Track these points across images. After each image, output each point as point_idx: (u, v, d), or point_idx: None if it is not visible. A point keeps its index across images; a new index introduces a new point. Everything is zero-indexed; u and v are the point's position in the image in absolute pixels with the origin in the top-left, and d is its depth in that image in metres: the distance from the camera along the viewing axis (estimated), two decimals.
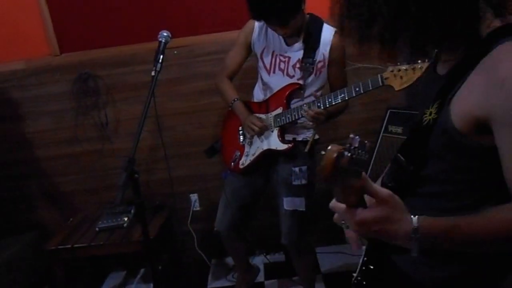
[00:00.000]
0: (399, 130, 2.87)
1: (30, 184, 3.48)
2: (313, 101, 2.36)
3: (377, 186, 0.95)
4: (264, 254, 3.53)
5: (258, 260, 3.51)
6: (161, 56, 2.15)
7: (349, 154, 0.85)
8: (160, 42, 2.17)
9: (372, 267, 1.22)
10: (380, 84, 2.14)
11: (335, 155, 0.84)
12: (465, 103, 1.00)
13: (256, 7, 2.26)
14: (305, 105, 2.37)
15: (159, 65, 2.14)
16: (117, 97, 3.30)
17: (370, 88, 2.18)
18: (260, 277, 3.28)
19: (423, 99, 1.18)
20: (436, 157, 1.10)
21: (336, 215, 1.07)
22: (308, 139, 2.50)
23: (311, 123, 2.42)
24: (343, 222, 1.04)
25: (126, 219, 3.03)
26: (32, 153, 3.42)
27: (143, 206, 2.18)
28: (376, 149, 3.02)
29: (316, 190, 2.65)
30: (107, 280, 3.51)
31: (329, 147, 0.86)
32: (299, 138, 2.55)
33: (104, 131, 3.35)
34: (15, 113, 3.35)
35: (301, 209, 2.57)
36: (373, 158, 3.04)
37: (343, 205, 0.97)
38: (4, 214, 3.50)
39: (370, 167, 3.07)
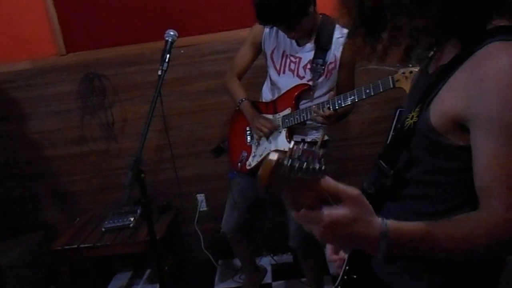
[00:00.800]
0: None
1: (36, 184, 3.51)
2: (323, 102, 2.35)
3: (344, 185, 0.88)
4: (271, 255, 3.54)
5: (265, 261, 3.52)
6: (168, 55, 2.17)
7: (288, 164, 0.80)
8: (167, 41, 2.19)
9: (355, 276, 1.18)
10: (391, 86, 2.11)
11: (273, 164, 0.80)
12: (445, 101, 0.98)
13: (262, 14, 2.27)
14: (314, 106, 2.35)
15: (165, 64, 2.16)
16: (123, 97, 3.32)
17: (381, 90, 2.16)
18: (268, 278, 3.29)
19: (410, 101, 1.17)
20: (416, 160, 1.08)
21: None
22: (317, 139, 2.47)
23: (319, 124, 2.42)
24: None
25: (132, 219, 3.04)
26: (38, 153, 3.44)
27: (150, 206, 2.19)
28: None
29: None
30: (113, 281, 3.53)
31: (269, 155, 0.81)
32: (308, 139, 2.54)
33: (111, 131, 3.37)
34: (21, 113, 3.37)
35: None
36: None
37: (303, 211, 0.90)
38: (9, 214, 3.53)
39: None
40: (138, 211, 3.10)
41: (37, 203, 3.54)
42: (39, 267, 3.28)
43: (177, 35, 2.21)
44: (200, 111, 3.34)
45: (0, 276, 2.90)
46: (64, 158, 3.46)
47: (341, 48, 2.41)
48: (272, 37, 2.53)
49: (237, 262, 3.51)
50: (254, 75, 2.93)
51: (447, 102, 0.98)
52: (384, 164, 1.13)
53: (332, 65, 2.44)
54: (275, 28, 2.49)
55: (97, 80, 3.28)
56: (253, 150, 2.65)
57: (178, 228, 3.47)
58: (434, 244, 0.93)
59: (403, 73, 2.07)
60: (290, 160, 0.80)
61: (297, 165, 0.80)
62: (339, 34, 2.42)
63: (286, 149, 2.41)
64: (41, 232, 3.44)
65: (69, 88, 3.31)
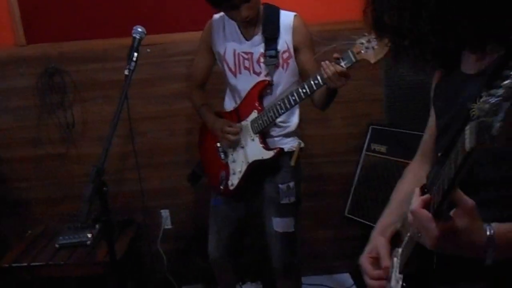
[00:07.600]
0: (383, 149, 2.91)
1: None
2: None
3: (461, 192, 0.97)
4: (240, 284, 3.40)
5: None
6: (136, 54, 2.15)
7: None
8: (134, 38, 2.17)
9: None
10: (354, 60, 2.11)
11: None
12: None
13: None
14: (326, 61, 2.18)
15: (133, 64, 2.13)
16: (85, 96, 3.28)
17: (344, 67, 2.12)
18: None
19: (451, 100, 1.22)
20: (490, 158, 1.09)
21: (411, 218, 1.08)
22: (293, 149, 2.52)
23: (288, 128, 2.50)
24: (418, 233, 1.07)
25: (89, 235, 2.97)
26: None
27: (111, 225, 2.14)
28: (359, 169, 3.03)
29: None
30: None
31: None
32: (286, 148, 2.53)
33: (70, 133, 3.32)
34: None
35: (290, 230, 2.58)
36: (355, 180, 3.04)
37: (427, 213, 1.01)
38: None
39: (352, 190, 3.07)
40: (97, 227, 3.02)
41: None
42: None
43: (145, 32, 2.19)
44: (166, 117, 3.32)
45: None
46: (17, 160, 3.40)
47: (291, 32, 2.43)
48: (220, 36, 2.54)
49: None
50: (218, 81, 2.84)
51: None
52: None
53: (287, 54, 2.45)
54: (222, 25, 2.53)
55: (58, 76, 3.23)
56: (232, 167, 2.61)
57: (139, 248, 3.40)
58: None
59: (362, 43, 2.09)
60: None
61: None
62: (285, 18, 2.44)
63: (266, 157, 2.37)
64: None
65: (26, 83, 3.26)
